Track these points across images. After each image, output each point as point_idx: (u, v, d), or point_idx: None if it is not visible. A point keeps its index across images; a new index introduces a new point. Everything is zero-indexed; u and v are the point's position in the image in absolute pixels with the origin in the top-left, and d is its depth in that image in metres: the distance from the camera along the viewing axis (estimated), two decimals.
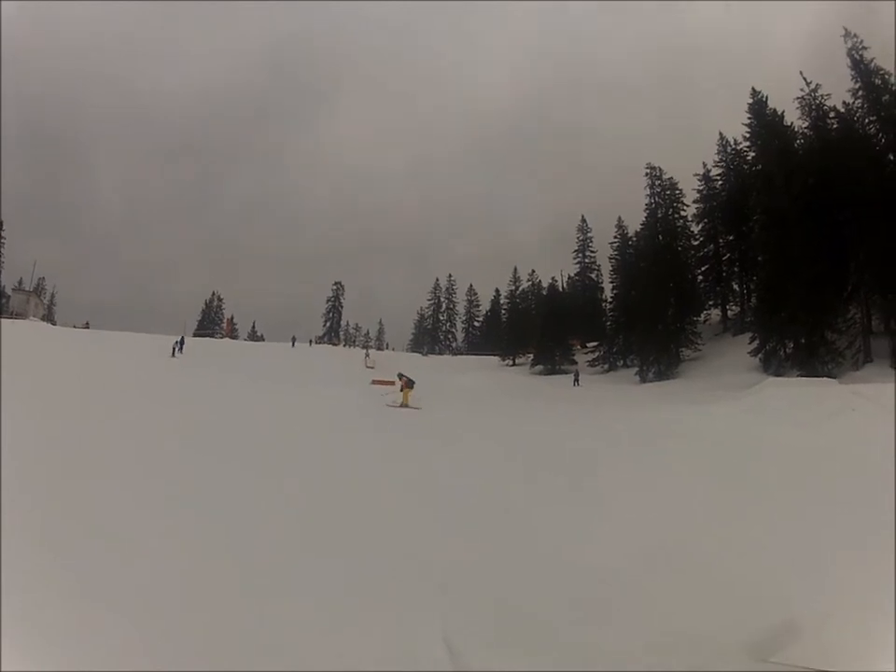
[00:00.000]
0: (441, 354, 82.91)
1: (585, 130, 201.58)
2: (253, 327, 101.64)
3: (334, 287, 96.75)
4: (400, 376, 28.51)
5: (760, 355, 42.13)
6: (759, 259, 47.12)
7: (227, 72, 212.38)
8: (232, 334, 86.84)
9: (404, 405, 26.16)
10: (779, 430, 18.57)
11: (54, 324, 65.76)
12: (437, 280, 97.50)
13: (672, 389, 39.36)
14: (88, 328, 66.75)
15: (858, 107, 43.47)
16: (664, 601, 5.26)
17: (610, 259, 67.74)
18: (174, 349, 43.17)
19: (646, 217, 60.91)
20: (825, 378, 29.36)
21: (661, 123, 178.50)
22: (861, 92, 43.41)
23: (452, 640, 4.08)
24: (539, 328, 64.39)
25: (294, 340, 68.57)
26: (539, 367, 62.11)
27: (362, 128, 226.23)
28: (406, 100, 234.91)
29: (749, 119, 53.45)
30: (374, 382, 37.95)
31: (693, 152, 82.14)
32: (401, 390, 27.47)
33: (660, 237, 58.51)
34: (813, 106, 46.62)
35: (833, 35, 44.75)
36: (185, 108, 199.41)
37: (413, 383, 27.60)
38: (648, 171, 61.60)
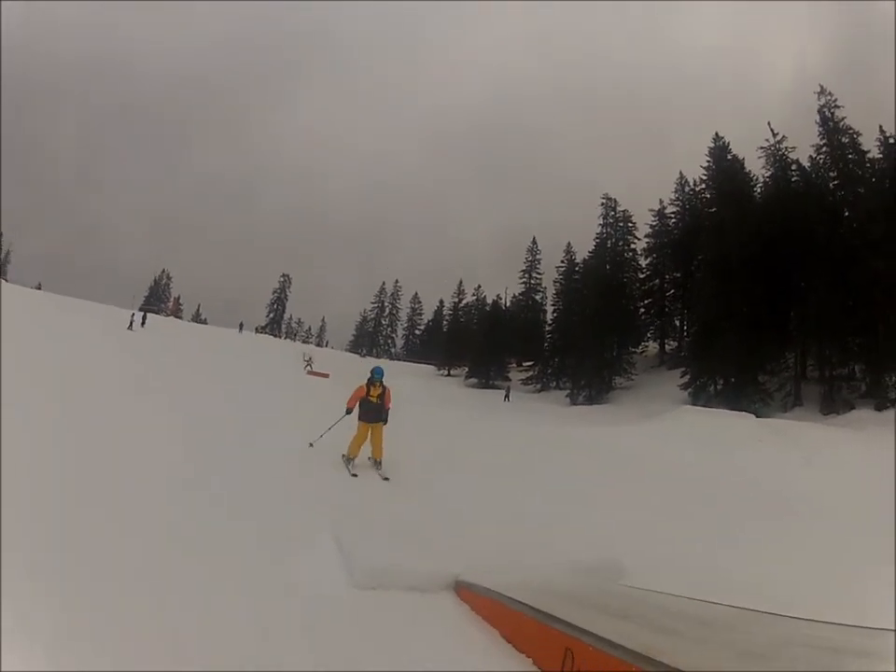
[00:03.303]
0: (378, 357, 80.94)
1: (552, 152, 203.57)
2: (198, 309, 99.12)
3: (281, 279, 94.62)
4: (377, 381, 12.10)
5: (690, 389, 42.20)
6: (700, 296, 47.03)
7: (207, 46, 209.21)
8: (177, 313, 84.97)
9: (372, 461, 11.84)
10: (677, 449, 19.42)
11: (6, 280, 63.75)
12: (383, 284, 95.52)
13: (597, 412, 39.82)
14: (40, 289, 64.57)
15: (821, 163, 44.08)
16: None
17: (555, 282, 67.20)
18: (131, 322, 41.91)
19: (595, 246, 60.77)
20: (743, 412, 29.18)
21: (626, 155, 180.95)
22: (825, 149, 43.97)
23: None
24: (478, 342, 64.16)
25: (242, 326, 71.00)
26: (473, 380, 62.04)
27: (330, 122, 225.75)
28: (378, 100, 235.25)
29: (709, 162, 53.99)
30: (309, 373, 40.61)
31: (652, 188, 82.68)
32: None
33: (607, 266, 58.36)
34: (776, 157, 47.10)
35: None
36: (159, 75, 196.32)
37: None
38: (604, 201, 61.54)
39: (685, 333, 55.51)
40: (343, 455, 11.45)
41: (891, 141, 42.78)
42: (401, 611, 4.26)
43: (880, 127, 43.46)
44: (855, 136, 43.10)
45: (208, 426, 11.40)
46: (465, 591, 4.64)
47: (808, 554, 7.66)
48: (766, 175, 48.14)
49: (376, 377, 12.03)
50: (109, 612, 3.44)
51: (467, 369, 65.01)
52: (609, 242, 60.17)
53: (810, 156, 44.89)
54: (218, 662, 3.32)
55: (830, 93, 44.48)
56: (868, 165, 42.37)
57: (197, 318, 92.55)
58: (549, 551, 6.36)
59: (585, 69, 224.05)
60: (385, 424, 11.92)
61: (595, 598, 4.53)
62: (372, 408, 11.76)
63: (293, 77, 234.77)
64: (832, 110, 44.12)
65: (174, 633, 3.31)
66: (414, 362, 75.44)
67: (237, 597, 4.24)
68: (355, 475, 10.69)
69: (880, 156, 42.77)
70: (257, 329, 79.33)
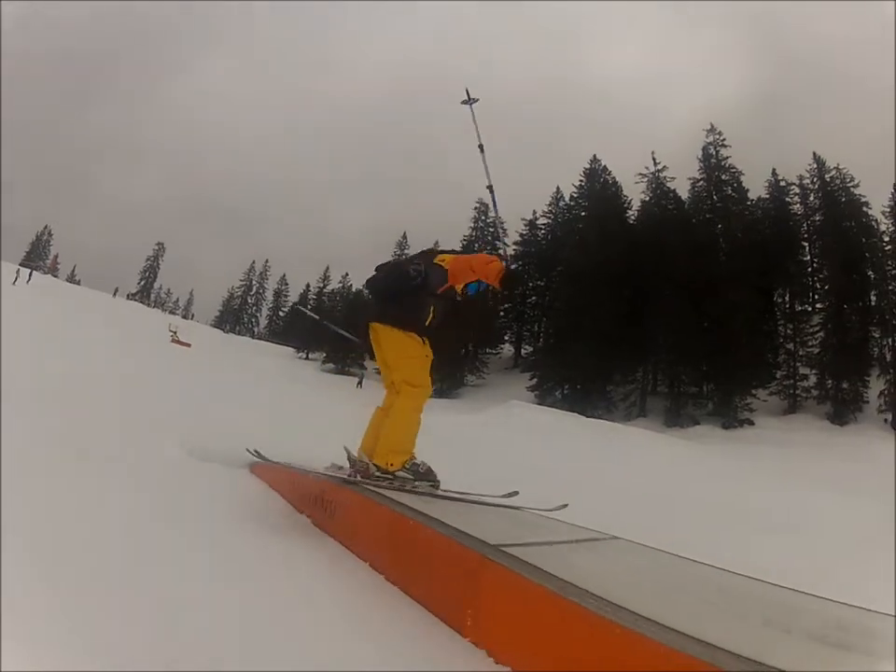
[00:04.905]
0: (241, 335, 79.84)
1: (440, 148, 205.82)
2: (73, 270, 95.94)
3: (155, 248, 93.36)
4: None
5: (537, 391, 42.61)
6: (555, 306, 47.74)
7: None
8: (54, 272, 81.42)
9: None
10: (491, 431, 19.75)
11: None
12: (253, 262, 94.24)
13: (441, 405, 39.52)
14: None
15: (699, 196, 46.98)
16: None
17: None
18: (16, 277, 41.37)
19: (462, 248, 60.08)
20: (573, 413, 29.77)
21: (514, 160, 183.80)
22: (701, 183, 46.46)
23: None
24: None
25: (116, 291, 73.14)
26: (330, 365, 61.84)
27: (234, 91, 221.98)
28: (276, 86, 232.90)
29: (581, 181, 55.75)
30: (173, 341, 40.89)
31: (531, 197, 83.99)
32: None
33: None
34: (655, 185, 49.07)
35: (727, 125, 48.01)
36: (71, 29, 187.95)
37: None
38: (476, 205, 62.13)
39: (541, 339, 56.22)
40: (381, 468, 4.51)
41: (782, 184, 45.24)
42: (213, 473, 5.31)
43: (773, 170, 46.12)
44: (737, 174, 45.44)
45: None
46: (255, 467, 5.85)
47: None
48: (645, 200, 50.23)
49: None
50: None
51: (325, 354, 64.41)
52: (476, 245, 60.19)
53: (689, 188, 47.70)
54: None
55: (719, 132, 47.70)
56: (750, 203, 44.51)
57: (71, 279, 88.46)
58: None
59: (486, 75, 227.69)
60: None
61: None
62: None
63: (189, 50, 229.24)
64: (717, 148, 46.08)
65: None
66: (275, 343, 74.52)
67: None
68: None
69: (767, 195, 45.17)
70: (128, 295, 78.29)
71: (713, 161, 47.24)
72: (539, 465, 12.55)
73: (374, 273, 5.05)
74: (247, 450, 5.71)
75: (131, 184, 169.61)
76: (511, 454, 13.62)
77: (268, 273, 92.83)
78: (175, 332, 44.84)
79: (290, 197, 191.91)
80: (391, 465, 4.52)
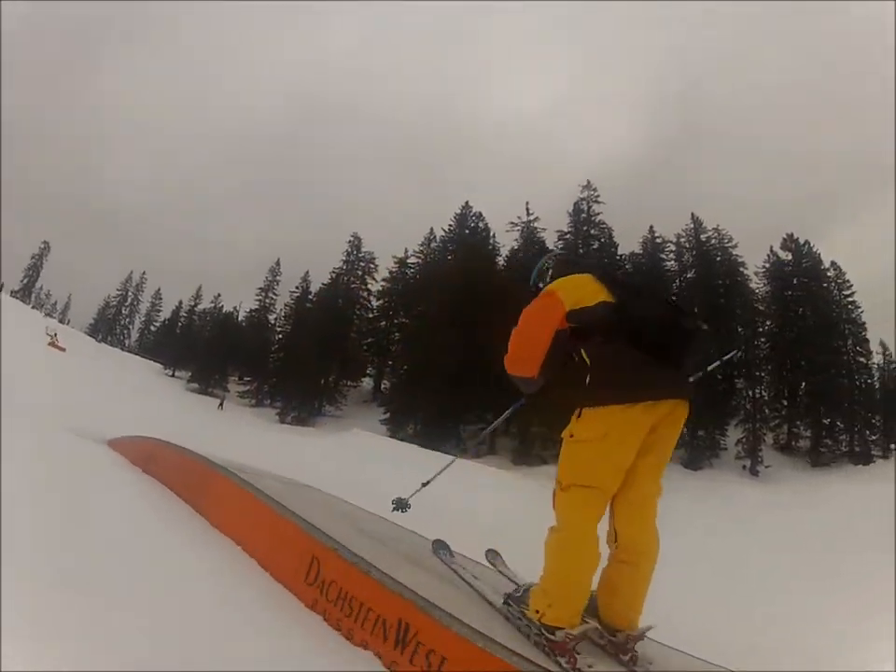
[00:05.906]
0: (112, 346, 76.66)
1: (333, 178, 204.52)
2: None
3: (41, 246, 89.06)
4: None
5: (389, 425, 44.15)
6: (406, 343, 50.42)
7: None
8: None
9: None
10: (323, 453, 21.19)
11: None
12: (131, 273, 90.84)
13: (295, 431, 40.31)
14: None
15: (568, 248, 48.50)
16: None
17: (286, 305, 67.05)
18: None
19: (331, 279, 61.89)
20: (408, 443, 32.00)
21: (396, 194, 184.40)
22: (568, 236, 49.36)
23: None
24: (204, 349, 63.75)
25: (1, 287, 68.11)
26: (195, 385, 60.67)
27: (140, 91, 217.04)
28: (173, 95, 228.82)
29: (451, 225, 58.09)
30: (50, 344, 39.90)
31: (407, 236, 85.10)
32: None
33: (339, 300, 59.36)
34: (526, 234, 51.57)
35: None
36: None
37: None
38: (350, 239, 62.82)
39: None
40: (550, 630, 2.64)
41: (658, 241, 48.07)
42: (84, 445, 7.01)
43: (650, 227, 49.43)
44: (607, 229, 49.93)
45: None
46: (111, 443, 7.71)
47: None
48: (514, 248, 52.58)
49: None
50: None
51: (191, 373, 63.50)
52: (344, 278, 61.17)
53: (556, 240, 49.98)
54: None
55: (594, 189, 50.50)
56: (620, 257, 48.46)
57: None
58: None
59: (387, 104, 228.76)
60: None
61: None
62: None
63: (91, 50, 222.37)
64: (590, 204, 49.46)
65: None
66: (145, 357, 72.42)
67: None
68: None
69: (640, 252, 48.39)
70: (11, 292, 74.89)
71: (584, 215, 49.95)
72: (346, 477, 13.66)
73: (674, 307, 3.07)
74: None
75: (24, 177, 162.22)
76: (331, 468, 14.81)
77: (144, 286, 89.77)
78: (55, 336, 43.43)
79: (174, 206, 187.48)
80: None
